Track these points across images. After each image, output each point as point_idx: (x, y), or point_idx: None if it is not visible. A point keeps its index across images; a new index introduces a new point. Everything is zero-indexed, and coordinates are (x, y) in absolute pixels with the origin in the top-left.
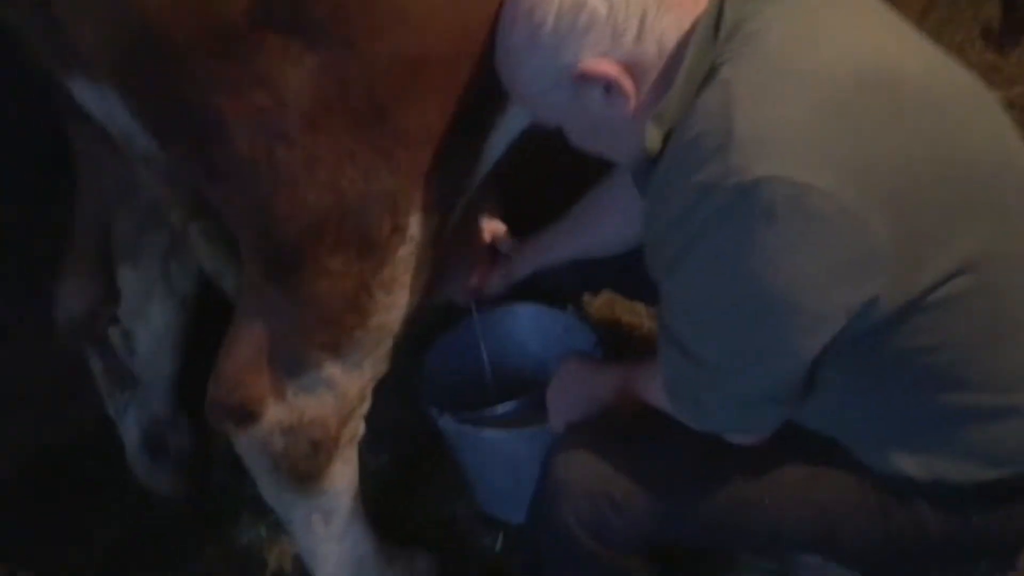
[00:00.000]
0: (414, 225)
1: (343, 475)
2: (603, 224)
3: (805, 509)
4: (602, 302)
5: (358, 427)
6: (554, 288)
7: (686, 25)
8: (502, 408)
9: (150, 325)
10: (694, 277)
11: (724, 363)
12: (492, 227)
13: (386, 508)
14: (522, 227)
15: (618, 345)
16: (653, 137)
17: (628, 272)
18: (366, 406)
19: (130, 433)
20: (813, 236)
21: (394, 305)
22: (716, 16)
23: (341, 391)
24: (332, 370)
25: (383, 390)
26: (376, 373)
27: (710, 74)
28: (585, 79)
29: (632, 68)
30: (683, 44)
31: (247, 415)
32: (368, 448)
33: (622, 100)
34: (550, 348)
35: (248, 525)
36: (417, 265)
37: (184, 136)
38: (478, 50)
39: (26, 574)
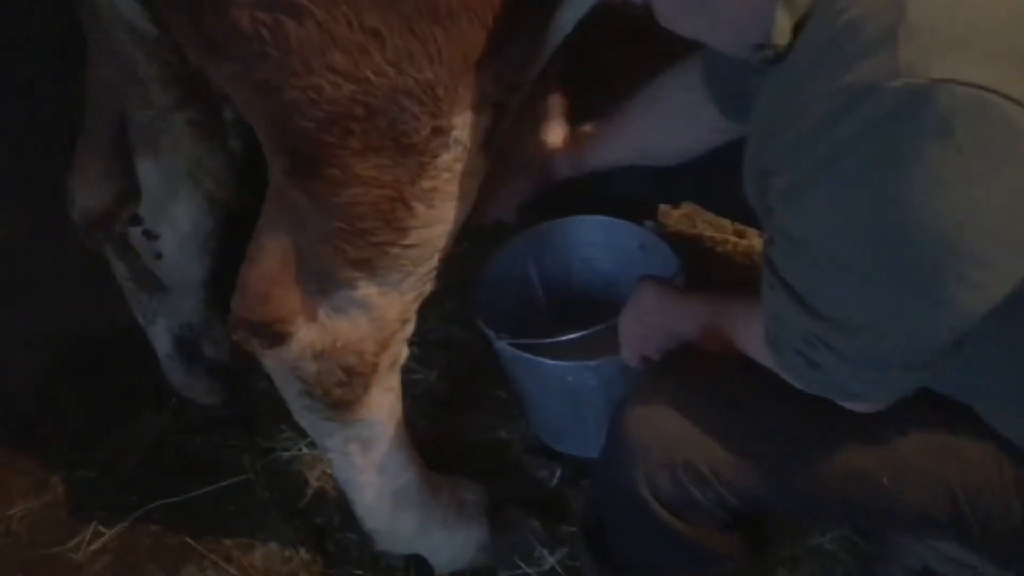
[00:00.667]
0: (461, 127)
1: (382, 403)
2: (660, 127)
3: (931, 487)
4: (682, 214)
5: (400, 351)
6: (630, 197)
7: None
8: (567, 337)
9: (176, 226)
10: (828, 206)
11: (855, 322)
12: (552, 131)
13: (434, 428)
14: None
15: (699, 264)
16: (783, 27)
17: (714, 184)
18: (409, 328)
19: (160, 340)
20: (1001, 156)
21: (438, 219)
22: None
23: (378, 314)
24: (367, 290)
25: (433, 300)
26: (419, 293)
27: None
28: None
29: None
30: None
31: (274, 335)
32: (417, 362)
33: None
34: (622, 266)
35: (289, 439)
36: (465, 174)
37: (176, 5)
38: None
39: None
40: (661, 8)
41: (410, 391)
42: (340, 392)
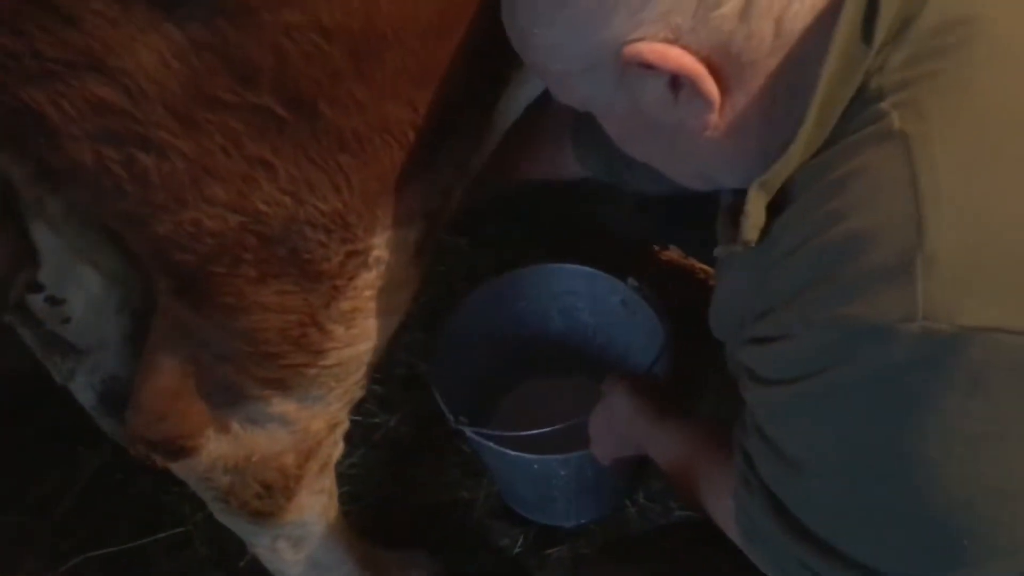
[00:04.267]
0: (382, 246)
1: (312, 505)
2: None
3: None
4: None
5: (332, 452)
6: (621, 235)
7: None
8: (533, 432)
9: (84, 289)
10: (826, 444)
11: (852, 554)
12: None
13: (390, 484)
14: None
15: (689, 304)
16: (755, 219)
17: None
18: (342, 429)
19: (84, 396)
20: None
21: (361, 338)
22: None
23: (300, 427)
24: (284, 407)
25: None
26: (350, 400)
27: (863, 100)
28: (641, 68)
29: (725, 60)
30: (818, 32)
31: (179, 450)
32: (378, 404)
33: (698, 105)
34: (604, 318)
35: None
36: (393, 288)
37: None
38: (467, 14)
39: None
40: (609, 129)
41: (369, 437)
42: (259, 504)
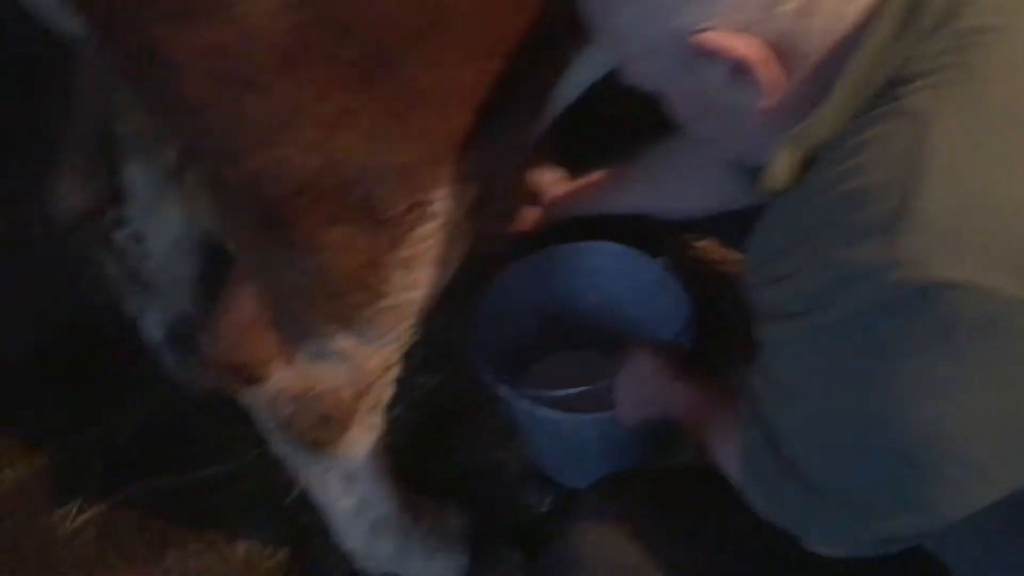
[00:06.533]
0: (442, 200)
1: (362, 441)
2: (674, 189)
3: None
4: (708, 243)
5: (383, 394)
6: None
7: None
8: (563, 392)
9: (164, 228)
10: (812, 380)
11: (832, 493)
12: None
13: (431, 439)
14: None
15: (718, 294)
16: (779, 165)
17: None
18: (393, 372)
19: (152, 332)
20: (1008, 373)
21: (417, 283)
22: None
23: (357, 363)
24: (345, 343)
25: (440, 307)
26: (402, 344)
27: (894, 83)
28: (708, 54)
29: (785, 50)
30: (864, 25)
31: (250, 376)
32: (422, 367)
33: (756, 90)
34: (633, 294)
35: None
36: (448, 240)
37: (126, 63)
38: None
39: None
40: (671, 107)
41: (409, 396)
42: (316, 434)
